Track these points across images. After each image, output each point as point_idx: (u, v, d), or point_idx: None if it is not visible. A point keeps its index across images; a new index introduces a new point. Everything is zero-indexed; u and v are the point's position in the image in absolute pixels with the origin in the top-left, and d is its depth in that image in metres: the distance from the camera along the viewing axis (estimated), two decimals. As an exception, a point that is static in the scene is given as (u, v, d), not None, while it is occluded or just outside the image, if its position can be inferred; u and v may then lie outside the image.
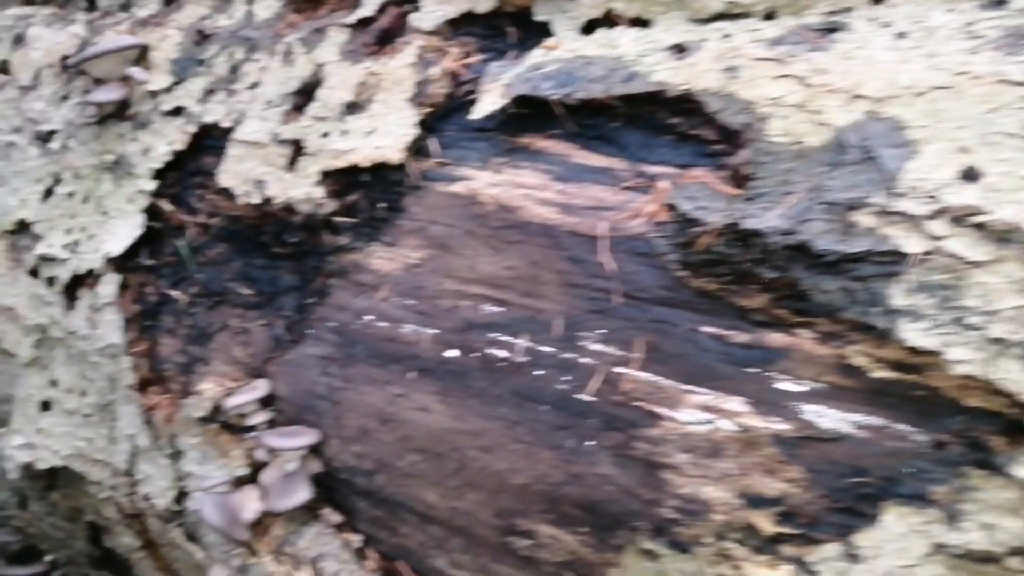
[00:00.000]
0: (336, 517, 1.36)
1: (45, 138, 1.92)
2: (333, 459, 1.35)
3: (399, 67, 1.36)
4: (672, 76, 1.11)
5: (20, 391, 1.89)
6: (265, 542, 1.36)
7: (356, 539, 1.34)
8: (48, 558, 2.19)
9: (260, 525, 1.37)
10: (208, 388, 1.46)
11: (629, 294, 1.09)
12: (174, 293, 1.59)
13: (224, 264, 1.53)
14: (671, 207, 1.06)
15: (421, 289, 1.25)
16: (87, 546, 2.01)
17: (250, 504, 1.36)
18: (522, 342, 1.14)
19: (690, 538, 1.02)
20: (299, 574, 1.31)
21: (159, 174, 1.64)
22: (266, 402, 1.41)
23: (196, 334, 1.55)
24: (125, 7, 1.97)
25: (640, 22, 1.24)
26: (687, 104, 1.10)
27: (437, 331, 1.22)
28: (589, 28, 1.28)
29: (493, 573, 1.19)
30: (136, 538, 1.74)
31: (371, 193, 1.33)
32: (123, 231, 1.67)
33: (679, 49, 1.15)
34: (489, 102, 1.23)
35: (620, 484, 1.06)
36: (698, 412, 1.02)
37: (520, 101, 1.20)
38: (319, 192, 1.35)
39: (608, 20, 1.27)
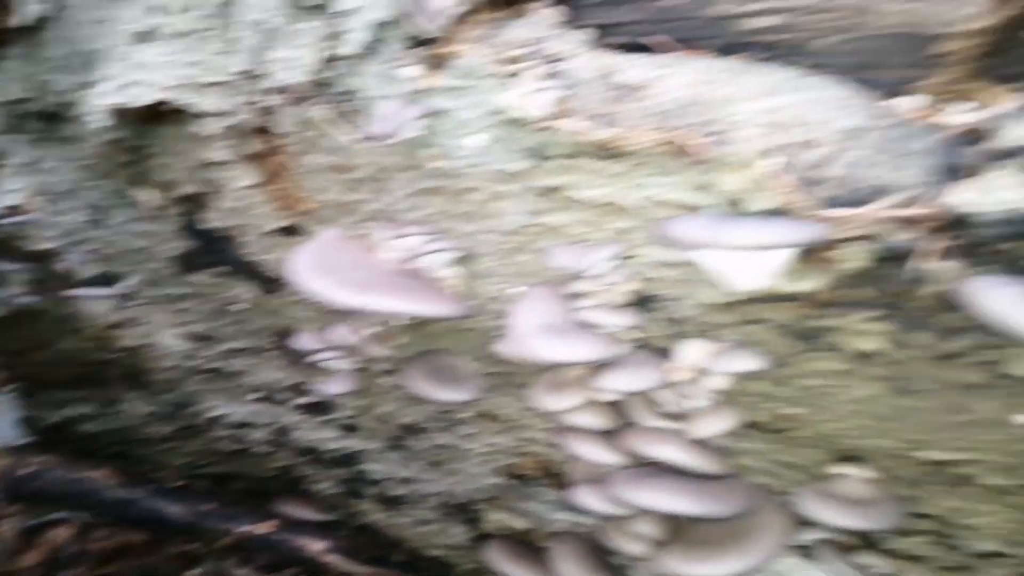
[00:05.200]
0: (555, 13, 1.05)
1: None
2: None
3: None
4: None
5: (107, 37, 1.59)
6: (459, 40, 1.04)
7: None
8: (123, 283, 1.89)
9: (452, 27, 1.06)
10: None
11: None
12: None
13: None
14: None
15: None
16: (176, 242, 1.71)
17: (444, -6, 1.05)
18: None
19: None
20: (514, 53, 0.99)
21: None
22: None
23: None
24: None
25: None
26: None
27: None
28: None
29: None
30: (257, 169, 1.43)
31: None
32: None
33: None
34: None
35: None
36: None
37: None
38: None
39: None
